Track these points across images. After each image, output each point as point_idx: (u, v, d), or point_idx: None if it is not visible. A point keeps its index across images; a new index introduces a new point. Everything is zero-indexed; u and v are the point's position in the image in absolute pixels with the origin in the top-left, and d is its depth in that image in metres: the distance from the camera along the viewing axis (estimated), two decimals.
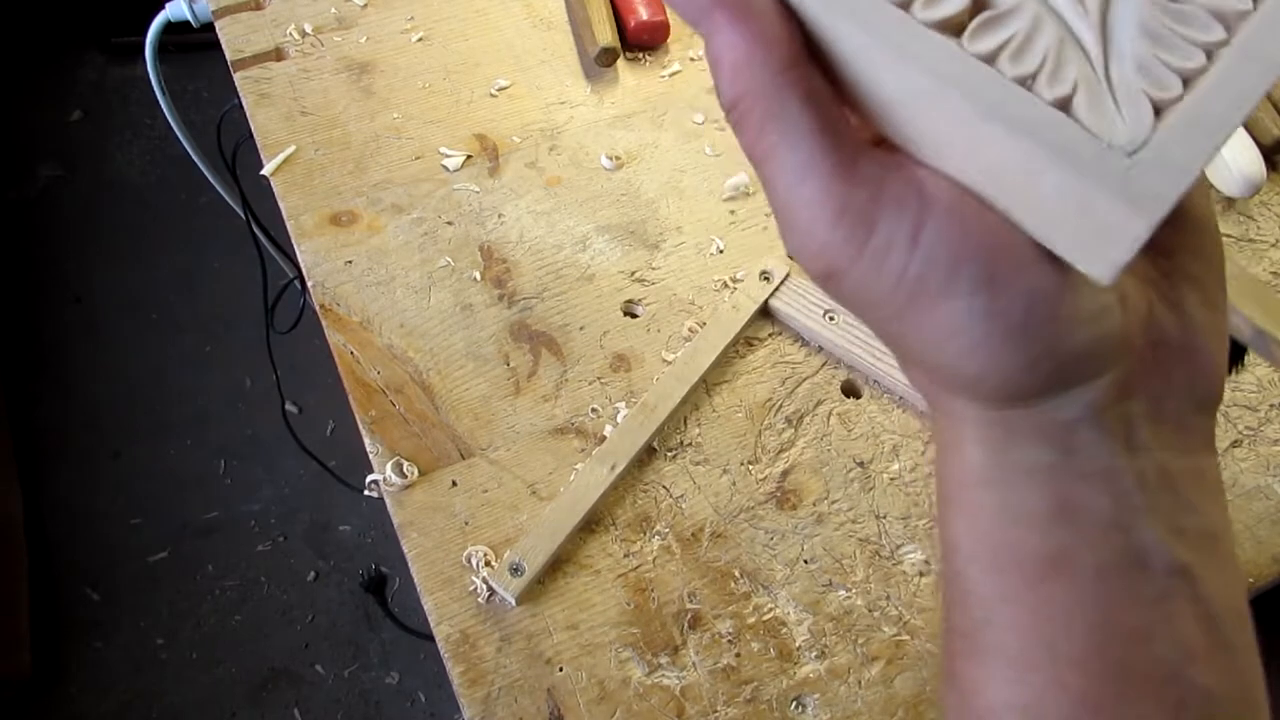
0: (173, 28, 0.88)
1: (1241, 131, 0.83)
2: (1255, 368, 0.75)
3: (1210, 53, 0.23)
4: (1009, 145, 0.22)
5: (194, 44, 1.88)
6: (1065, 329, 0.23)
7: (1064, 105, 0.23)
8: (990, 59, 0.23)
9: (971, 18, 0.24)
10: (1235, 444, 0.72)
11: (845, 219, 0.23)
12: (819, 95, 0.24)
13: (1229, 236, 0.82)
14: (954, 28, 0.23)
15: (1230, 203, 0.84)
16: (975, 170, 0.23)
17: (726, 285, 0.75)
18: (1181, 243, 0.27)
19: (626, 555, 0.64)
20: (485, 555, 0.63)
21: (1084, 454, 0.24)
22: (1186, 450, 0.26)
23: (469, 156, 0.80)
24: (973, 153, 0.23)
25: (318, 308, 0.72)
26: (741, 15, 0.23)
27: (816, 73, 0.24)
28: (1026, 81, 0.23)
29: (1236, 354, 0.33)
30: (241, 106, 0.81)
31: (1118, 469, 0.25)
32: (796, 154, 0.23)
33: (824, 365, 0.73)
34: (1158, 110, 0.23)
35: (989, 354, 0.23)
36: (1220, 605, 0.25)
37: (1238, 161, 0.82)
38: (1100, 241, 0.22)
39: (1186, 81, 0.23)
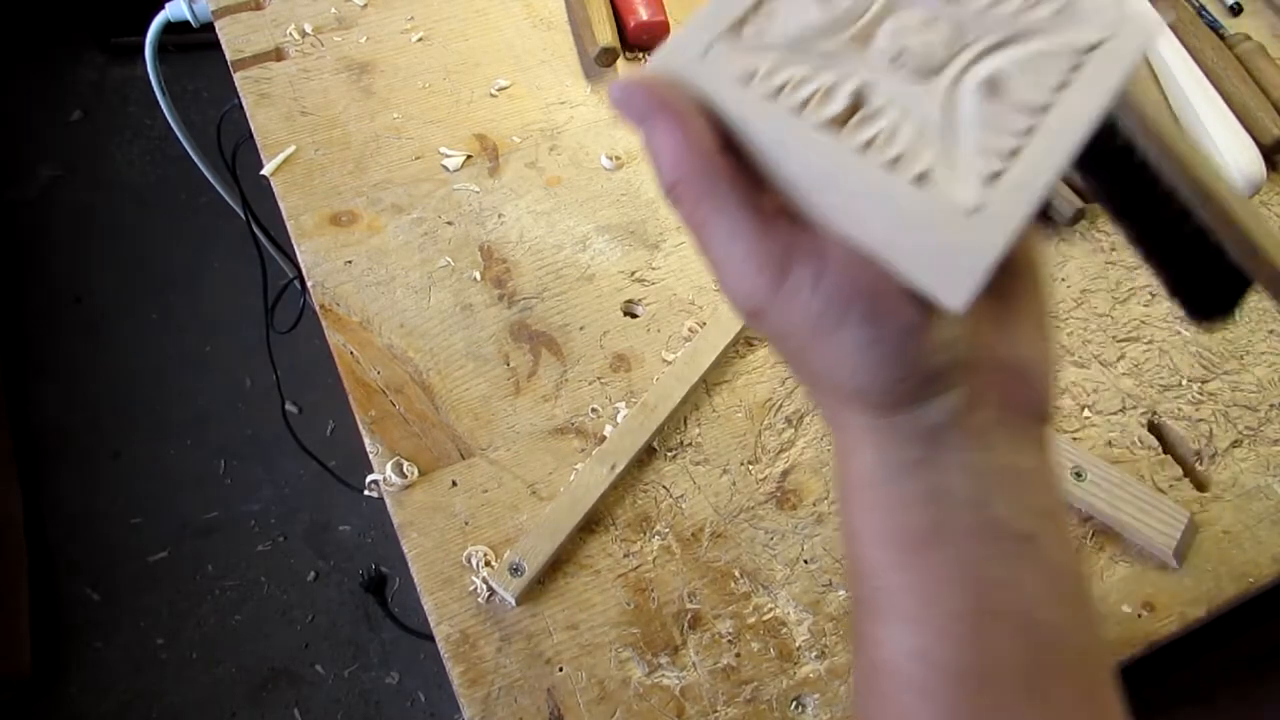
0: (173, 27, 0.88)
1: (1241, 131, 0.83)
2: (1254, 368, 0.75)
3: (1026, 134, 0.32)
4: (883, 213, 0.30)
5: (194, 44, 1.88)
6: (927, 353, 0.30)
7: (922, 180, 0.30)
8: (865, 147, 0.31)
9: (851, 115, 0.32)
10: (1235, 444, 0.72)
11: (766, 270, 0.30)
12: (739, 176, 0.31)
13: None
14: (838, 123, 0.31)
15: None
16: (859, 232, 0.31)
17: None
18: (1016, 285, 0.34)
19: (626, 555, 0.64)
20: (485, 555, 0.63)
21: (949, 450, 0.32)
22: (1028, 450, 0.33)
23: (469, 156, 0.80)
24: (856, 219, 0.31)
25: (318, 308, 0.72)
26: (676, 117, 0.31)
27: (735, 159, 0.31)
28: (894, 163, 0.30)
29: (1238, 287, 0.33)
30: (241, 106, 0.81)
31: (975, 461, 0.32)
32: (726, 221, 0.31)
33: None
34: (990, 180, 0.30)
35: (872, 371, 0.30)
36: (1059, 566, 0.32)
37: (1238, 161, 0.82)
38: (953, 281, 0.29)
39: (1009, 157, 0.31)
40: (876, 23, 0.33)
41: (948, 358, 0.31)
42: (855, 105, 0.32)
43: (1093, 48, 0.34)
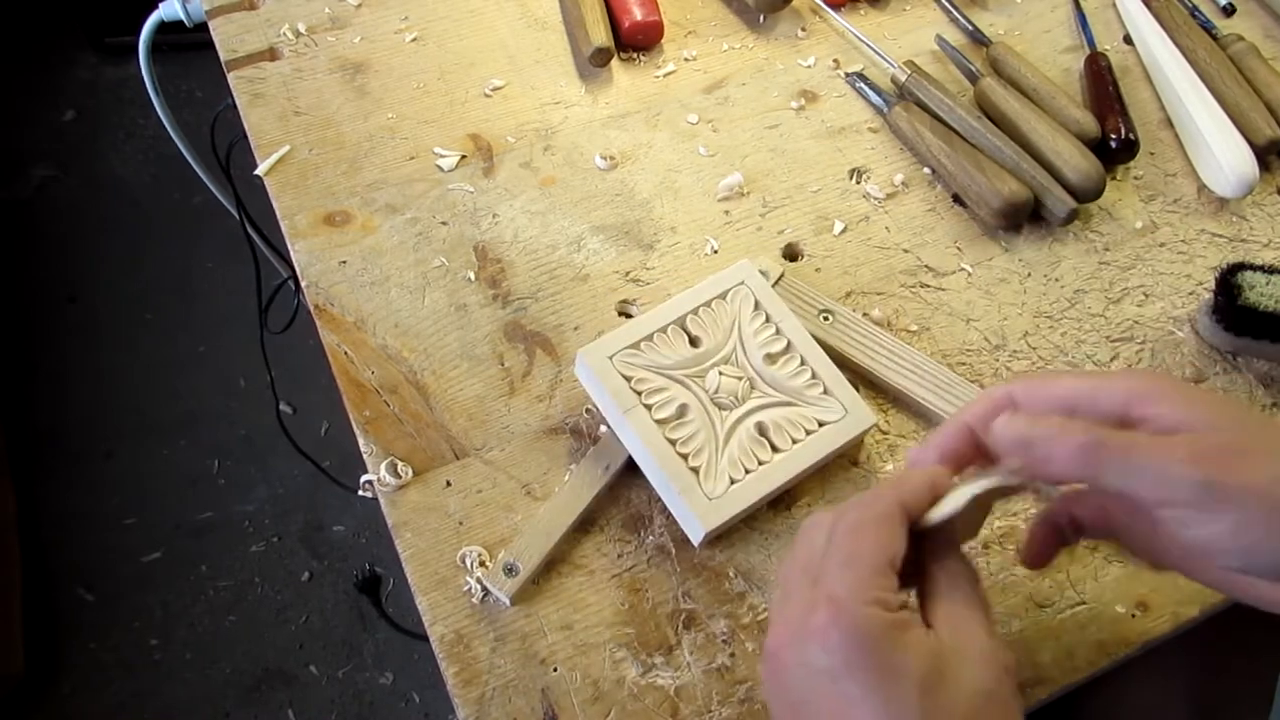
0: (166, 27, 0.88)
1: (1234, 132, 0.84)
2: (1245, 370, 0.76)
3: (760, 464, 0.62)
4: (669, 482, 0.61)
5: (188, 44, 1.87)
6: None
7: (697, 471, 0.61)
8: (674, 442, 0.62)
9: (675, 419, 0.62)
10: None
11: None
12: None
13: (1221, 237, 0.82)
14: (664, 422, 0.62)
15: (1223, 203, 0.84)
16: (655, 481, 0.64)
17: None
18: None
19: (621, 555, 0.64)
20: (479, 555, 0.63)
21: None
22: None
23: (463, 156, 0.80)
24: (657, 479, 0.63)
25: (312, 308, 0.71)
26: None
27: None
28: (686, 456, 0.61)
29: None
30: (235, 106, 0.81)
31: None
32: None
33: None
34: (730, 483, 0.61)
35: None
36: None
37: (1230, 161, 0.82)
38: (694, 532, 0.62)
39: (747, 474, 0.61)
40: (712, 368, 0.64)
41: None
42: (679, 414, 0.62)
43: (825, 424, 0.64)
